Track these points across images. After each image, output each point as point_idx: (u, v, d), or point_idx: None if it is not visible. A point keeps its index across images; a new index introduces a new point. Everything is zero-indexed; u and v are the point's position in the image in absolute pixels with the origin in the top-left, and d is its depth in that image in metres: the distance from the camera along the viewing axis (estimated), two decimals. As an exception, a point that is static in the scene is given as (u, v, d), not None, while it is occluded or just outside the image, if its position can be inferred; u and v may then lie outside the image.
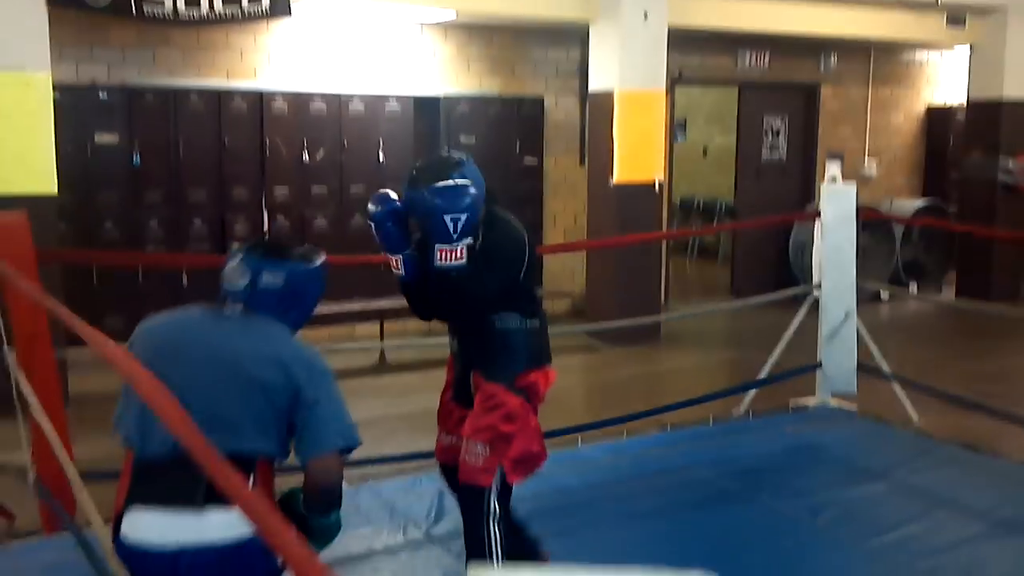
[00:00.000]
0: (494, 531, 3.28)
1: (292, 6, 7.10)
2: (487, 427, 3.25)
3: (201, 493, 2.32)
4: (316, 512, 2.59)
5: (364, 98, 8.43)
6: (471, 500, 3.31)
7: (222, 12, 6.91)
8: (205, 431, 2.24)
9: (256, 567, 2.35)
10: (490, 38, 9.13)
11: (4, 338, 3.93)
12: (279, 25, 8.03)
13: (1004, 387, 7.10)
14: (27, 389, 3.66)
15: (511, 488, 3.36)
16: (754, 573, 3.92)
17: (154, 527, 2.33)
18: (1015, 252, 10.47)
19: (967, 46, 10.73)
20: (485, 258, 3.18)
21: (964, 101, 11.08)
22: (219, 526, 2.32)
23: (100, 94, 7.53)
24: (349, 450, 2.57)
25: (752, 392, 6.22)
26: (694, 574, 1.29)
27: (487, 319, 3.29)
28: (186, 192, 7.86)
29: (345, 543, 4.24)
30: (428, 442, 5.13)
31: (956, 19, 10.25)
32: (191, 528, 2.31)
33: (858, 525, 4.42)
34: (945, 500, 4.73)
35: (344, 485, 4.83)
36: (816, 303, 6.25)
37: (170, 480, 2.33)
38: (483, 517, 3.28)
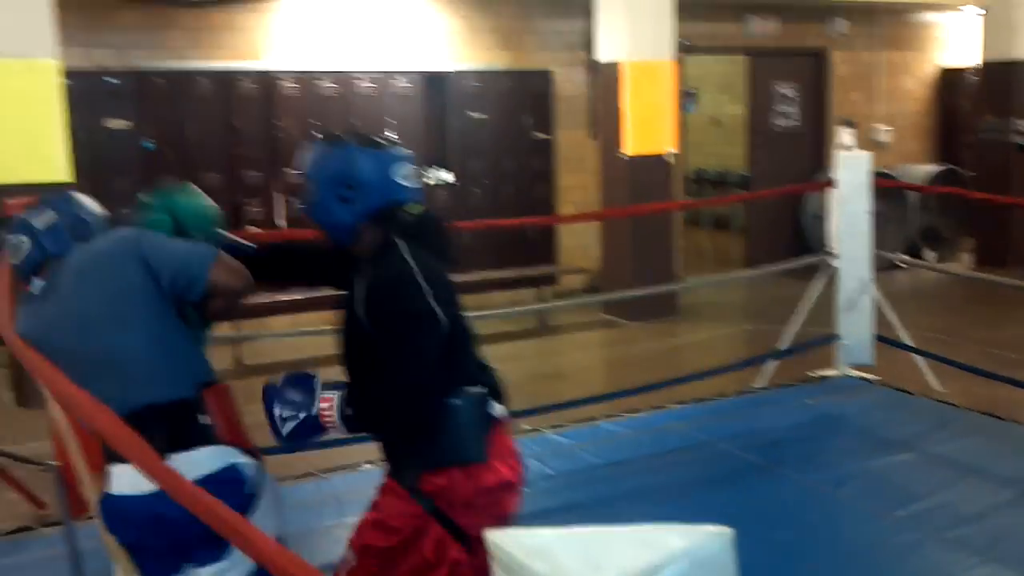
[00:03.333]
0: None
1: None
2: (357, 530, 2.52)
3: (162, 443, 2.33)
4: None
5: (373, 76, 8.37)
6: None
7: (227, -7, 6.88)
8: None
9: (225, 499, 2.31)
10: (497, 10, 9.05)
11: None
12: (285, 3, 7.98)
13: (1022, 354, 7.05)
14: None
15: None
16: (779, 547, 3.91)
17: (127, 479, 2.39)
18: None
19: (980, 7, 10.60)
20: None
21: (977, 63, 10.95)
22: (184, 468, 2.30)
23: (109, 79, 7.50)
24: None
25: (771, 364, 6.20)
26: (706, 528, 1.27)
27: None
28: (198, 176, 7.79)
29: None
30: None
31: (968, -20, 10.13)
32: None
33: (883, 496, 4.40)
34: (970, 469, 4.71)
35: (368, 466, 4.80)
36: (832, 271, 6.21)
37: None
38: None
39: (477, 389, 2.43)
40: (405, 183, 2.45)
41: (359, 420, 2.36)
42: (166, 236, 2.59)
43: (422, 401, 2.33)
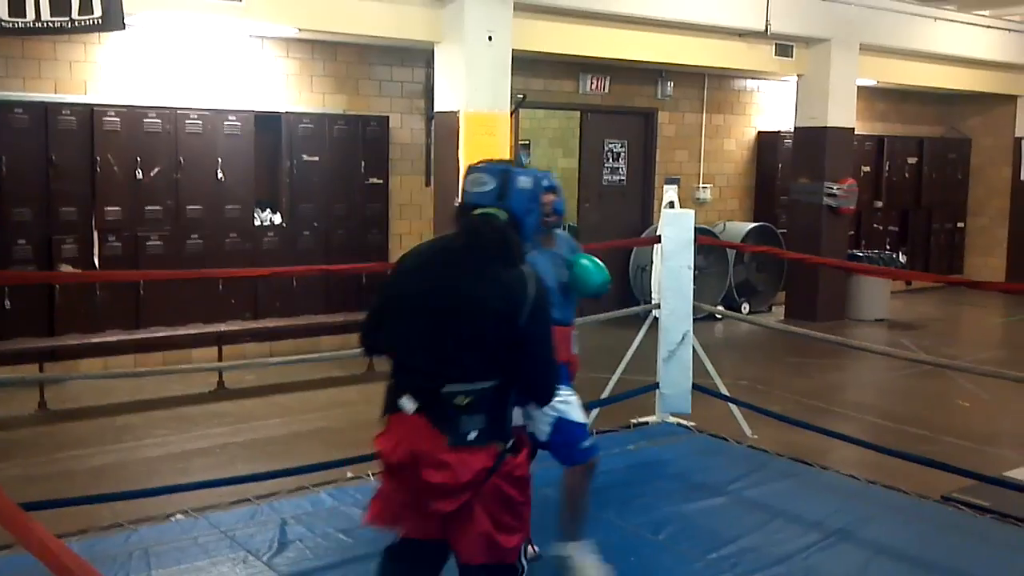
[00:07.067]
0: None
1: (126, 19, 6.80)
2: None
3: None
4: None
5: (202, 114, 8.17)
6: None
7: (50, 22, 6.53)
8: None
9: None
10: (334, 55, 9.02)
11: None
12: (112, 37, 7.71)
13: (828, 401, 7.46)
14: None
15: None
16: (599, 591, 3.96)
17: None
18: (839, 275, 11.04)
19: (794, 76, 11.28)
20: None
21: (791, 128, 11.63)
22: None
23: (-88, 105, 7.06)
24: None
25: (595, 411, 6.31)
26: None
27: None
28: (9, 211, 7.42)
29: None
30: (266, 468, 5.02)
31: (784, 50, 10.77)
32: None
33: (698, 539, 4.54)
34: (780, 512, 4.91)
35: (180, 517, 4.64)
36: (656, 321, 6.42)
37: None
38: None
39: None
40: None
41: None
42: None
43: None
